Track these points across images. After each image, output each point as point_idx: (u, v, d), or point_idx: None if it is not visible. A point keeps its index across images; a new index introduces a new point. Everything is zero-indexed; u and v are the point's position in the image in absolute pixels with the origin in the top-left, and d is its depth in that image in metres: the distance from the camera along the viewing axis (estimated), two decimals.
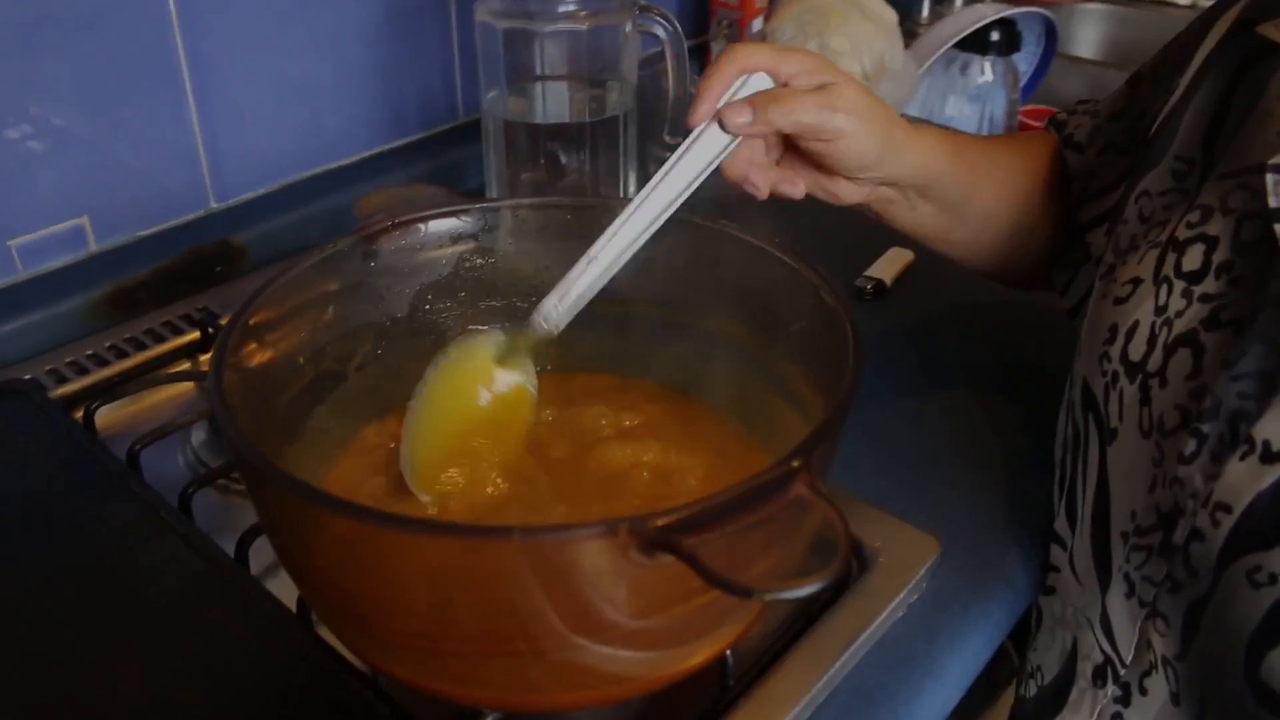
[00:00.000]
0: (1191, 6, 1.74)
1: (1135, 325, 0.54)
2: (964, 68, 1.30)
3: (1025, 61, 1.40)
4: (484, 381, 0.55)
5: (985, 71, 1.30)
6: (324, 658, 0.51)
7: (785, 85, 0.57)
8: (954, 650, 0.58)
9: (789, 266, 0.55)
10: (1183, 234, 0.54)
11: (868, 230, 0.99)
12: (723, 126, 0.55)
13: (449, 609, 0.41)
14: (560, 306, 0.54)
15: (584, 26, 0.85)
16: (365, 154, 1.02)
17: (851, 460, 0.66)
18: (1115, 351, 0.55)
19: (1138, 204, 0.59)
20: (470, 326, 0.64)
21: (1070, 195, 0.71)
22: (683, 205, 0.58)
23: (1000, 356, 0.82)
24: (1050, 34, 1.39)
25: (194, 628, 0.53)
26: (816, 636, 0.57)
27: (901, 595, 0.59)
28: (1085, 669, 0.59)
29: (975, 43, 1.27)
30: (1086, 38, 1.78)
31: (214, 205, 0.92)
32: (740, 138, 0.56)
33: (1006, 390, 0.78)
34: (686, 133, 0.56)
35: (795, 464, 0.41)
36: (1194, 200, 0.54)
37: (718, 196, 0.58)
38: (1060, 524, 0.61)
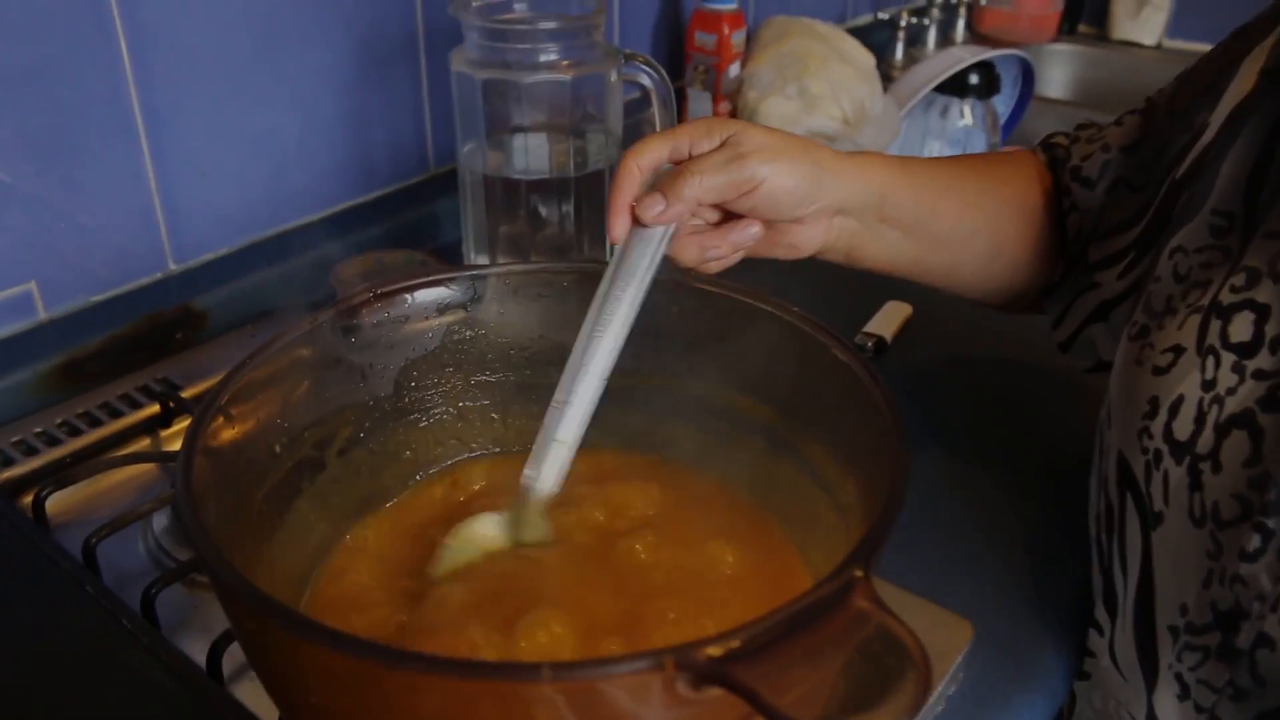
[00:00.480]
0: (1158, 47, 1.74)
1: (1180, 400, 0.50)
2: (944, 111, 1.28)
3: (1003, 104, 1.38)
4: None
5: (965, 115, 1.28)
6: None
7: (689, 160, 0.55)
8: None
9: (809, 336, 0.52)
10: (1227, 299, 0.50)
11: (861, 283, 0.95)
12: (643, 223, 0.53)
13: None
14: (543, 466, 0.51)
15: (567, 77, 0.81)
16: (333, 209, 0.96)
17: None
18: (1157, 428, 0.51)
19: (1172, 260, 0.55)
20: (461, 403, 0.59)
21: (1064, 221, 0.67)
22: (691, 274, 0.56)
23: (1012, 414, 0.79)
24: (1027, 76, 1.37)
25: None
26: None
27: (939, 688, 0.55)
28: None
29: (954, 86, 1.25)
30: (1056, 79, 1.77)
31: (173, 267, 0.86)
32: (672, 227, 0.53)
33: (1022, 451, 0.74)
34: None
35: (857, 573, 0.36)
36: (1238, 261, 0.51)
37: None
38: (1100, 610, 0.57)
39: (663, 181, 0.53)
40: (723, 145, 0.54)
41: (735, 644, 0.33)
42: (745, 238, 0.56)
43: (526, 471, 0.51)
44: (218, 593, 0.38)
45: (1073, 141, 0.68)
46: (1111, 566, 0.55)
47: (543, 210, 0.87)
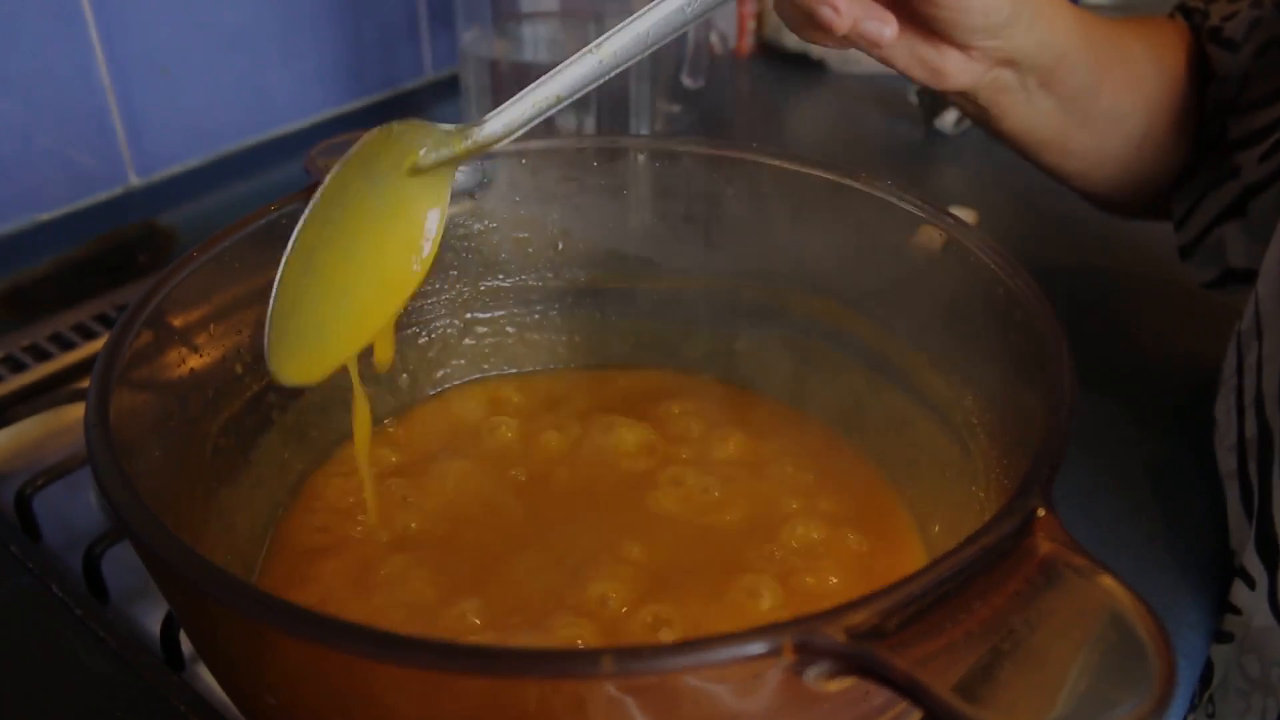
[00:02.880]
0: None
1: None
2: None
3: None
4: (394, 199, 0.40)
5: None
6: None
7: None
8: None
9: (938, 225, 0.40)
10: None
11: (925, 187, 0.85)
12: None
13: None
14: (516, 107, 0.38)
15: None
16: (318, 117, 0.86)
17: None
18: None
19: None
20: (469, 314, 0.48)
21: (1205, 100, 0.57)
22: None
23: (1107, 332, 0.67)
24: None
25: None
26: None
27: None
28: None
29: None
30: None
31: (134, 181, 0.76)
32: None
33: (1128, 375, 0.63)
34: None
35: (1038, 508, 0.25)
36: None
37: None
38: (1250, 558, 0.46)
39: None
40: None
41: (880, 613, 0.22)
42: (874, 32, 0.44)
43: (495, 110, 0.38)
44: (141, 557, 0.28)
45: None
46: (1270, 505, 0.44)
47: None
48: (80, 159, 0.73)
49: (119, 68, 0.72)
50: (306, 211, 0.38)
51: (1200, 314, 0.65)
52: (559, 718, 0.23)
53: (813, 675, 0.22)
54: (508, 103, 0.38)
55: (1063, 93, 0.51)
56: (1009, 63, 0.48)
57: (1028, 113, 0.51)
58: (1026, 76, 0.49)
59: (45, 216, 0.72)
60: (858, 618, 0.23)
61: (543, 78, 0.38)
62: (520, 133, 0.39)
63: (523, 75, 0.74)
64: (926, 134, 0.90)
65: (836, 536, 0.40)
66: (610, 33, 0.38)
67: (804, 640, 0.22)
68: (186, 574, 0.25)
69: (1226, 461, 0.49)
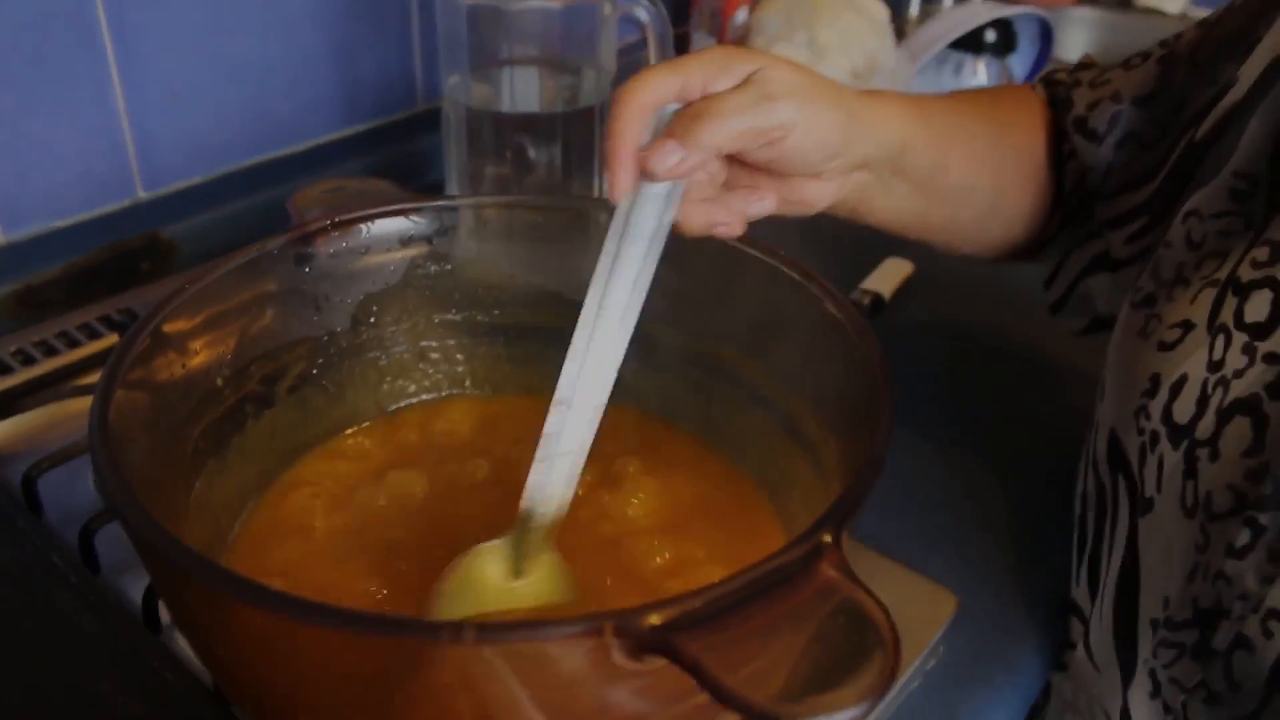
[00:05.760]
0: (1181, 16, 1.68)
1: (1183, 380, 0.46)
2: (957, 68, 1.24)
3: (1020, 64, 1.33)
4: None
5: (979, 72, 1.23)
6: None
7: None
8: None
9: (791, 279, 0.48)
10: (1246, 275, 0.46)
11: (861, 238, 0.91)
12: (654, 178, 0.42)
13: (385, 716, 0.32)
14: (548, 485, 0.42)
15: (557, 6, 0.76)
16: (313, 142, 0.92)
17: None
18: (1156, 408, 0.47)
19: (1185, 225, 0.51)
20: (423, 343, 0.55)
21: (1063, 168, 0.62)
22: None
23: (1010, 382, 0.75)
24: (1045, 36, 1.32)
25: (82, 704, 0.44)
26: None
27: (917, 662, 0.51)
28: None
29: (969, 43, 1.21)
30: (1075, 42, 1.71)
31: (141, 195, 0.82)
32: (684, 184, 0.44)
33: (1019, 422, 0.71)
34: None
35: (825, 539, 0.33)
36: (1260, 232, 0.46)
37: None
38: (1080, 593, 0.54)
39: (676, 125, 0.43)
40: (745, 83, 0.45)
41: (681, 611, 0.30)
42: (758, 210, 0.48)
43: (527, 492, 0.42)
44: (128, 534, 0.35)
45: (1074, 84, 0.62)
46: (1099, 551, 0.52)
47: (530, 149, 0.82)
48: (93, 173, 0.79)
49: (133, 92, 0.78)
50: None
51: None
52: (438, 678, 0.30)
53: (624, 653, 0.30)
54: (549, 481, 0.42)
55: (915, 176, 0.54)
56: (859, 168, 0.51)
57: (889, 202, 0.55)
58: (879, 172, 0.52)
59: (59, 224, 0.78)
60: (665, 613, 0.30)
61: (555, 419, 0.42)
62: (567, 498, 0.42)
63: (496, 123, 0.81)
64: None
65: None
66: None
67: (620, 625, 0.29)
68: (162, 549, 0.32)
69: (1076, 507, 0.56)
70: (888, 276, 0.83)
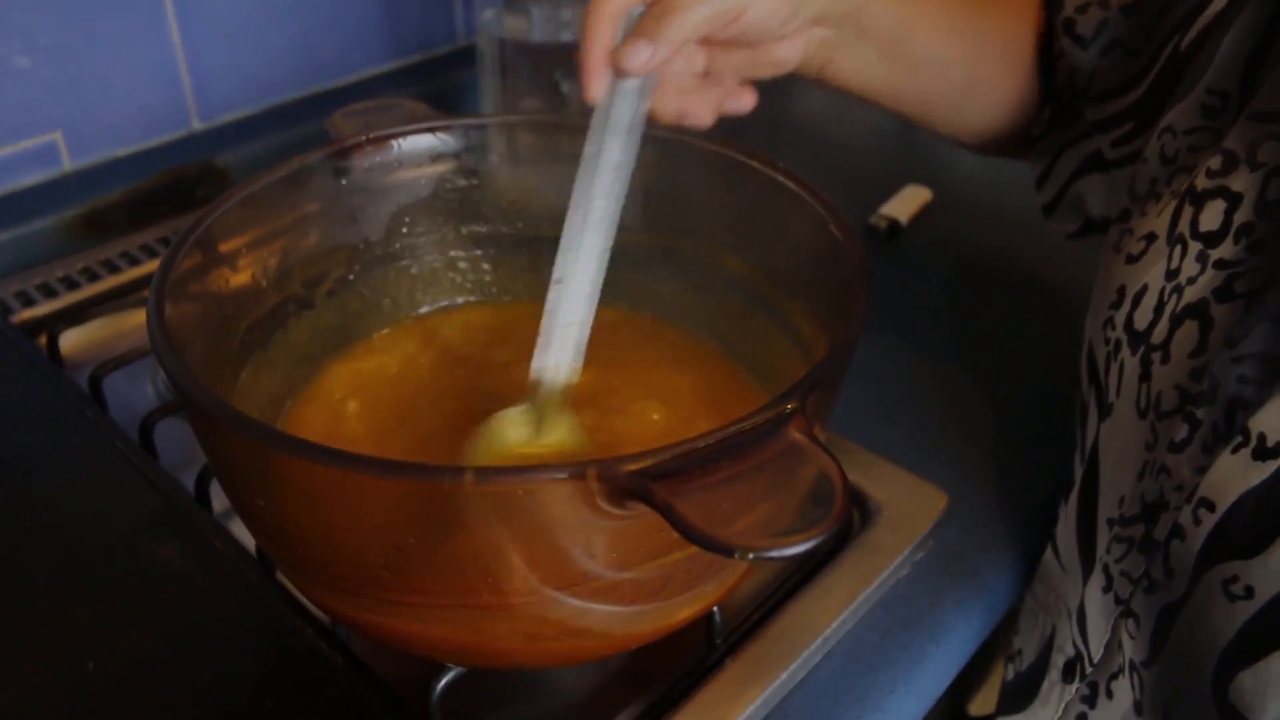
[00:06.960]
0: None
1: (1144, 290, 0.48)
2: None
3: None
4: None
5: None
6: (278, 605, 0.47)
7: None
8: (960, 614, 0.54)
9: (794, 194, 0.51)
10: (1202, 184, 0.47)
11: (882, 166, 0.94)
12: (627, 73, 0.46)
13: (400, 556, 0.37)
14: (551, 351, 0.46)
15: None
16: (358, 76, 0.97)
17: (859, 407, 0.63)
18: (1120, 317, 0.49)
19: (1160, 141, 0.52)
20: (452, 253, 0.60)
21: (1054, 65, 0.62)
22: (682, 130, 0.52)
23: (1025, 303, 0.78)
24: None
25: (142, 568, 0.49)
26: (813, 594, 0.53)
27: (906, 552, 0.55)
28: (1058, 661, 0.54)
29: None
30: None
31: (196, 125, 0.87)
32: (654, 77, 0.47)
33: (1026, 342, 0.73)
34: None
35: (790, 407, 0.36)
36: (1219, 142, 0.48)
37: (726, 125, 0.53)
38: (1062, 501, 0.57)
39: (641, 24, 0.46)
40: None
41: (658, 460, 0.34)
42: (734, 108, 0.52)
43: (535, 363, 0.46)
44: (176, 394, 0.40)
45: None
46: (1074, 461, 0.54)
47: (563, 83, 0.86)
48: (152, 106, 0.84)
49: (188, 30, 0.83)
50: None
51: None
52: (440, 516, 0.35)
53: (606, 498, 0.34)
54: (552, 348, 0.46)
55: (878, 39, 0.56)
56: (818, 21, 0.53)
57: (855, 63, 0.56)
58: (841, 27, 0.54)
59: (121, 152, 0.83)
60: (643, 462, 0.34)
61: (552, 296, 0.46)
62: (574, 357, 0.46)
63: (530, 55, 0.84)
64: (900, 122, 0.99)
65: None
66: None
67: (603, 471, 0.33)
68: (210, 410, 0.37)
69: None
70: (906, 203, 0.86)
